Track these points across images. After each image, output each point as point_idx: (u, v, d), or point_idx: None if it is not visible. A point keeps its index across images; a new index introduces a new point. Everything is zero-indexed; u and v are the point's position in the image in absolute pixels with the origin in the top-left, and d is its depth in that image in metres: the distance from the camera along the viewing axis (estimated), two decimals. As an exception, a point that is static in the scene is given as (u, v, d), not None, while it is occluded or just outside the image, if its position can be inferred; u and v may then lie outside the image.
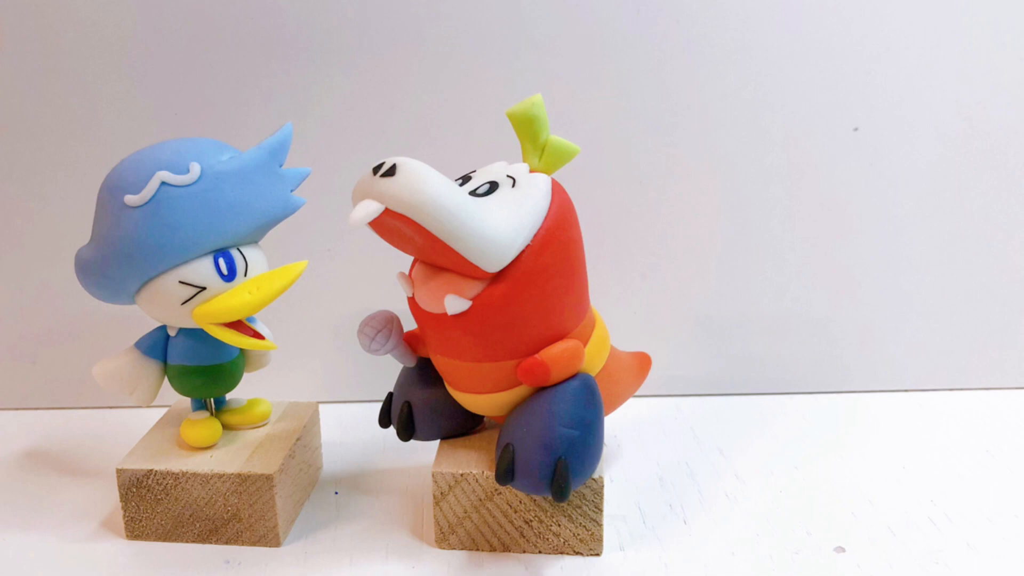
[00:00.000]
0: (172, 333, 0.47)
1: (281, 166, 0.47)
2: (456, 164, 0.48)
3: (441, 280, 0.39)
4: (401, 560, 0.45)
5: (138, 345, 0.48)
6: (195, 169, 0.43)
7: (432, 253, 0.39)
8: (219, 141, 0.46)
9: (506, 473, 0.40)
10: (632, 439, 0.57)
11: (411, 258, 0.43)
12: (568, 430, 0.40)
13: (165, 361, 0.48)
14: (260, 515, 0.46)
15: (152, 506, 0.46)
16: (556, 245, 0.40)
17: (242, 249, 0.46)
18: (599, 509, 0.43)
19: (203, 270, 0.44)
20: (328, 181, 0.55)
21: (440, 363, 0.43)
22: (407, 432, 0.46)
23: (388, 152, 0.58)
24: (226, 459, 0.47)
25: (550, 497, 0.40)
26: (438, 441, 0.47)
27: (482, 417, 0.48)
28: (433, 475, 0.44)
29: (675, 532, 0.47)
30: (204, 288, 0.44)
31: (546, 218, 0.40)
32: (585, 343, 0.43)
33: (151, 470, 0.46)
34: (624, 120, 0.59)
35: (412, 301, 0.41)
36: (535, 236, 0.39)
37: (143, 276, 0.44)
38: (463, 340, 0.40)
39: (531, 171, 0.41)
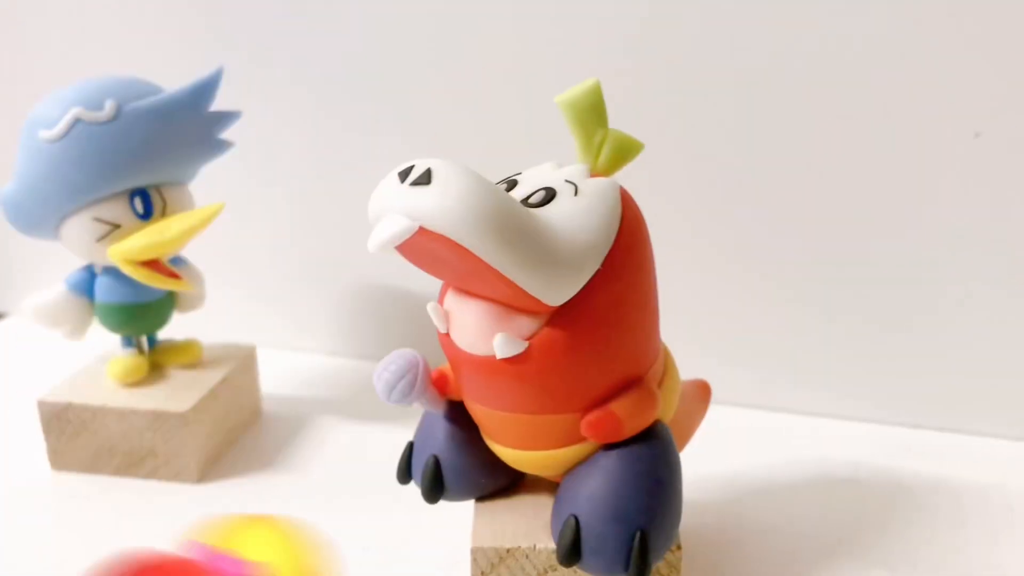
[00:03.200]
0: (98, 271, 0.48)
1: (207, 108, 0.47)
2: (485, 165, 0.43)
3: (488, 315, 0.32)
4: None
5: (67, 281, 0.49)
6: (110, 106, 0.43)
7: (477, 282, 0.31)
8: (143, 79, 0.46)
9: (570, 551, 0.33)
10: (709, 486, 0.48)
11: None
12: (646, 497, 0.33)
13: (92, 298, 0.49)
14: (175, 452, 0.47)
15: (72, 439, 0.47)
16: (631, 269, 0.32)
17: (162, 189, 0.46)
18: None
19: (118, 208, 0.45)
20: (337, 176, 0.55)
21: (480, 413, 0.35)
22: (435, 493, 0.37)
23: (405, 148, 0.56)
24: (144, 396, 0.48)
25: None
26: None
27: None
28: (473, 553, 0.35)
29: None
30: (118, 226, 0.45)
31: (618, 235, 0.32)
32: (659, 386, 0.35)
33: (69, 403, 0.47)
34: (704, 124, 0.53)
35: (446, 338, 0.34)
36: (606, 258, 0.31)
37: (59, 212, 0.44)
38: (514, 389, 0.33)
39: (590, 174, 0.34)
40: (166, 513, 0.45)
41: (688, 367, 0.48)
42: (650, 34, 0.51)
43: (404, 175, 0.29)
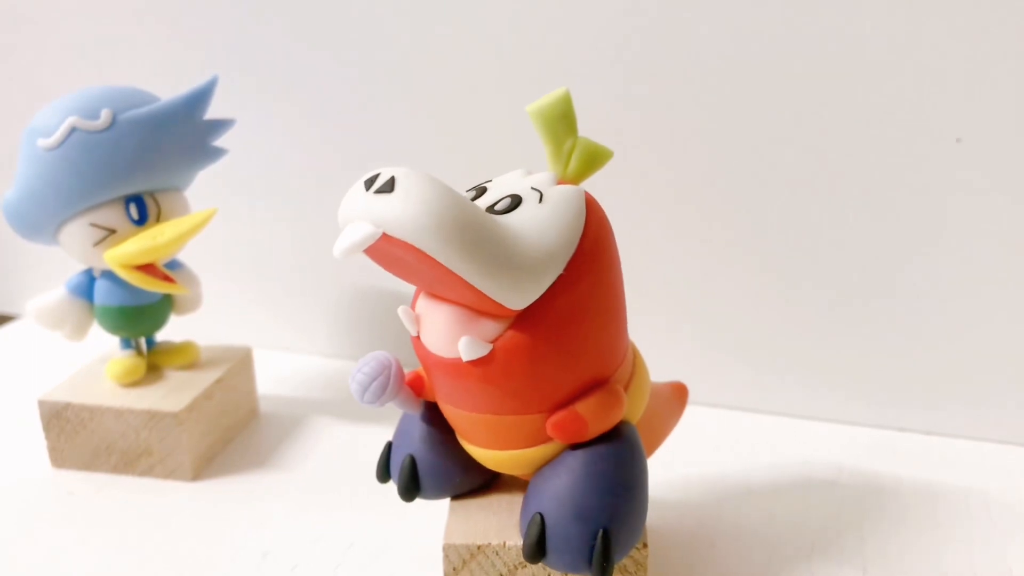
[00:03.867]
0: (97, 275, 0.50)
1: (202, 116, 0.48)
2: (460, 173, 0.44)
3: (453, 318, 0.33)
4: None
5: (67, 285, 0.50)
6: (106, 116, 0.45)
7: (442, 286, 0.32)
8: (140, 89, 0.48)
9: (535, 549, 0.34)
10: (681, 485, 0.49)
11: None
12: (610, 496, 0.34)
13: (92, 300, 0.50)
14: (170, 451, 0.48)
15: (71, 437, 0.49)
16: (594, 274, 0.33)
17: (157, 195, 0.48)
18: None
19: (113, 214, 0.46)
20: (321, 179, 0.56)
21: (451, 414, 0.36)
22: (411, 491, 0.38)
23: (400, 151, 0.58)
24: (141, 396, 0.49)
25: None
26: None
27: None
28: (444, 549, 0.36)
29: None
30: (114, 231, 0.46)
31: (581, 240, 0.33)
32: (626, 387, 0.36)
33: (68, 403, 0.48)
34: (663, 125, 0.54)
35: (417, 341, 0.35)
36: (568, 263, 0.32)
37: (56, 218, 0.46)
38: (481, 390, 0.34)
39: (559, 181, 0.34)
40: (161, 510, 0.46)
41: (668, 367, 0.49)
42: (633, 28, 0.51)
43: (369, 183, 0.30)
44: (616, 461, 0.34)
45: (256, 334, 0.65)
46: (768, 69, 0.50)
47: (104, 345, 0.55)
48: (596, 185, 0.37)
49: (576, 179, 0.35)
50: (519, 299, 0.31)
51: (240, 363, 0.54)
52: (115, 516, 0.46)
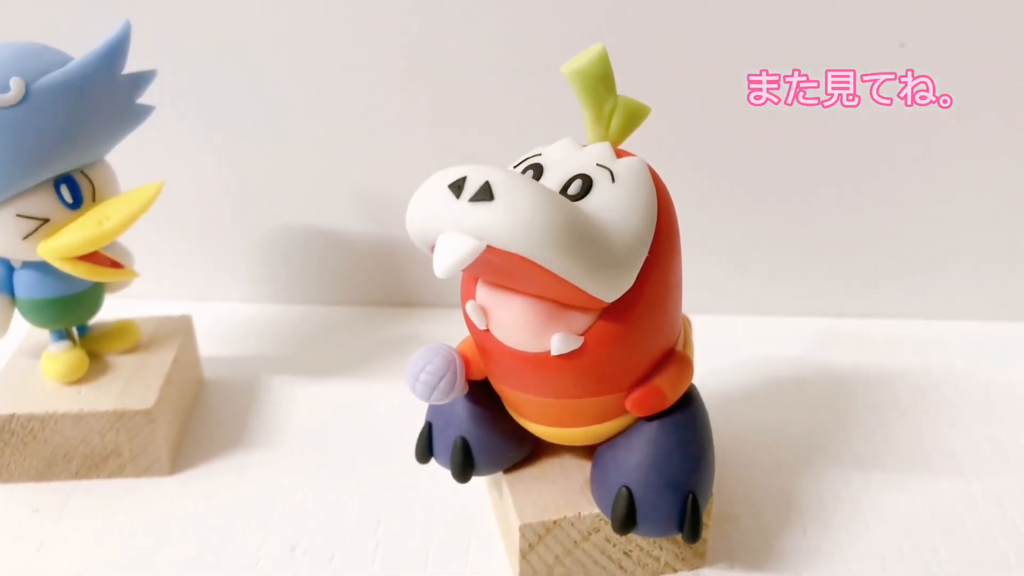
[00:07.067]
0: (17, 266, 0.43)
1: (121, 71, 0.41)
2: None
3: (539, 314, 0.31)
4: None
5: (-23, 279, 0.43)
6: (17, 86, 0.37)
7: (535, 286, 0.30)
8: (43, 45, 0.40)
9: (626, 521, 0.34)
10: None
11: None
12: (692, 461, 0.34)
13: (12, 293, 0.43)
14: (142, 448, 0.44)
15: (19, 450, 0.43)
16: (669, 249, 0.32)
17: (87, 171, 0.41)
18: (704, 524, 0.37)
19: (43, 200, 0.40)
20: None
21: (517, 398, 0.35)
22: (466, 472, 0.37)
23: (307, 97, 0.52)
24: (98, 394, 0.44)
25: (679, 537, 0.36)
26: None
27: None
28: (520, 529, 0.36)
29: (797, 545, 0.40)
30: (47, 220, 0.40)
31: (658, 219, 0.31)
32: (686, 349, 0.37)
33: (13, 414, 0.42)
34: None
35: (487, 334, 0.33)
36: (651, 245, 0.31)
37: (-29, 211, 0.39)
38: (566, 379, 0.33)
39: (618, 154, 0.32)
40: (153, 513, 0.42)
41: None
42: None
43: (456, 187, 0.28)
44: (692, 426, 0.35)
45: (165, 282, 0.60)
46: None
47: (16, 336, 0.48)
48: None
49: (617, 140, 0.33)
50: (616, 292, 0.30)
51: (185, 336, 0.49)
52: (102, 527, 0.41)
